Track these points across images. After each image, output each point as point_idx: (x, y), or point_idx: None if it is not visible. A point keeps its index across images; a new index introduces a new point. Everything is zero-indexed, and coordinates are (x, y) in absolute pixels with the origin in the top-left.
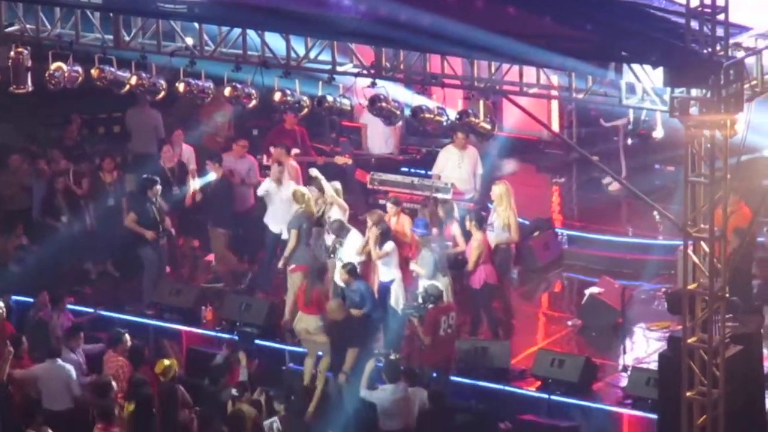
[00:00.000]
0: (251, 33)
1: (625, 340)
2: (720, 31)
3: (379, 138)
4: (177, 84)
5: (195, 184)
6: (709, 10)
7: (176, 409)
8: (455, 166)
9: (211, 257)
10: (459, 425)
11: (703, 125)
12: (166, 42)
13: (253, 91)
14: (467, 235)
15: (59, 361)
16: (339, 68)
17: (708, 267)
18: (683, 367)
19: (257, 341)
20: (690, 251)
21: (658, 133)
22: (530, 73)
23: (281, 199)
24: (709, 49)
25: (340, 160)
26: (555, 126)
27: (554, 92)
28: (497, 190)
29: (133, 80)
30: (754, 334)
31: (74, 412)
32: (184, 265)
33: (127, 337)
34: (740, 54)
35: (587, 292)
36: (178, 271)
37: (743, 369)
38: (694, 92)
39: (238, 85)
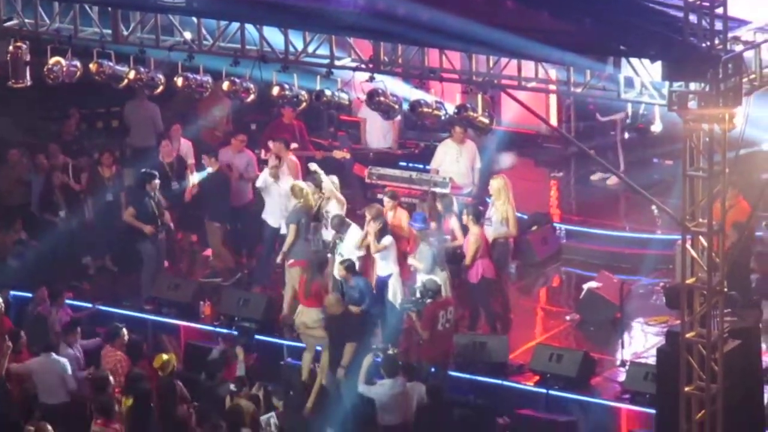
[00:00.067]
0: (249, 27)
1: (623, 335)
2: (718, 25)
3: (378, 132)
4: (175, 78)
5: (193, 178)
6: (707, 4)
7: (174, 404)
8: (453, 161)
9: (209, 252)
10: (457, 420)
11: (701, 119)
12: (164, 36)
13: (252, 86)
14: (466, 230)
15: (54, 355)
16: (337, 62)
17: (706, 261)
18: (682, 361)
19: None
20: (688, 245)
21: (657, 127)
22: (528, 67)
23: (279, 194)
24: (708, 43)
25: (338, 154)
26: (553, 120)
27: (552, 86)
28: (495, 184)
29: (132, 74)
30: (753, 329)
31: (70, 406)
32: (183, 259)
33: (125, 331)
34: (739, 48)
35: (585, 286)
36: (177, 265)
37: (742, 363)
38: (692, 86)
39: (237, 80)
